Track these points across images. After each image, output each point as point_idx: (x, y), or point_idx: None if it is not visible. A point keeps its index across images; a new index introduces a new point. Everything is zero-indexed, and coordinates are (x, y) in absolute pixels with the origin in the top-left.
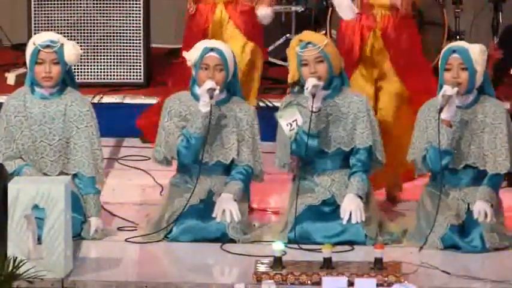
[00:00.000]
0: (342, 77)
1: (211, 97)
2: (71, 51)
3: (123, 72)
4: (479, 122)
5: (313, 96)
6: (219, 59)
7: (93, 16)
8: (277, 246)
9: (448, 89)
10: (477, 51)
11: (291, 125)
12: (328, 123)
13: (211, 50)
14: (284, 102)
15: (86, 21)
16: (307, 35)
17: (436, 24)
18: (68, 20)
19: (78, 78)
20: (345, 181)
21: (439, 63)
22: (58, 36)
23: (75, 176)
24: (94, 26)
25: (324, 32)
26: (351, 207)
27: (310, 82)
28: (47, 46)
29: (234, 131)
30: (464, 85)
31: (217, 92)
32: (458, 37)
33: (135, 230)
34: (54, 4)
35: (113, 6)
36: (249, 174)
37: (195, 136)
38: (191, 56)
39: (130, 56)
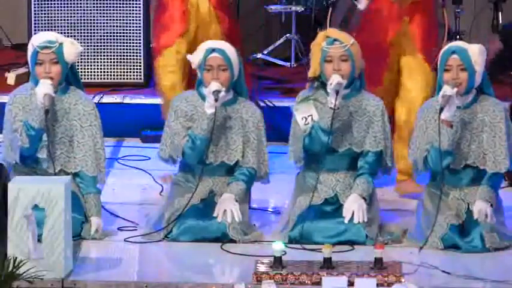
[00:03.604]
0: (361, 80)
1: (216, 100)
2: (70, 49)
3: (123, 72)
4: (479, 122)
5: (337, 93)
6: (222, 59)
7: (93, 16)
8: (277, 246)
9: (447, 89)
10: (476, 52)
11: (306, 119)
12: (342, 123)
13: (214, 50)
14: (301, 95)
15: (86, 21)
16: (334, 32)
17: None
18: (68, 20)
19: None
20: (350, 183)
21: (439, 63)
22: (56, 35)
23: (75, 175)
24: (94, 26)
25: None
26: (354, 207)
27: (335, 79)
28: (45, 47)
29: (239, 132)
30: (464, 85)
31: (222, 93)
32: (458, 37)
33: (135, 230)
34: (54, 4)
35: (113, 6)
36: (252, 176)
37: (201, 137)
38: (195, 58)
39: (130, 56)
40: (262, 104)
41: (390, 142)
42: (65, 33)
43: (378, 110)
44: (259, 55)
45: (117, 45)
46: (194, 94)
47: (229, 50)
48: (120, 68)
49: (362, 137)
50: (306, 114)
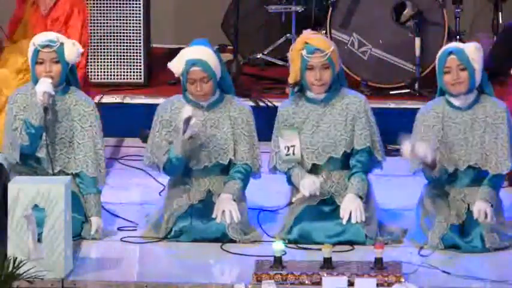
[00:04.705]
0: (339, 78)
1: (184, 131)
2: (71, 49)
3: (123, 72)
4: (481, 123)
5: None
6: (203, 72)
7: (93, 16)
8: (277, 246)
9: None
10: (473, 50)
11: (289, 149)
12: (330, 129)
13: (194, 64)
14: (282, 110)
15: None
16: (313, 39)
17: (436, 24)
18: None
19: None
20: (345, 183)
21: (437, 66)
22: (57, 35)
23: (75, 175)
24: (94, 26)
25: (324, 32)
26: (351, 207)
27: (307, 190)
28: (46, 46)
29: (229, 131)
30: (466, 84)
31: (194, 120)
32: (458, 37)
33: (135, 230)
34: None
35: (113, 6)
36: (247, 173)
37: (178, 158)
38: (175, 68)
39: (130, 56)
40: (262, 104)
41: (377, 136)
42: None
43: (360, 107)
44: (259, 55)
45: (117, 45)
46: (179, 99)
47: (210, 59)
48: (120, 68)
49: (351, 136)
50: (289, 143)
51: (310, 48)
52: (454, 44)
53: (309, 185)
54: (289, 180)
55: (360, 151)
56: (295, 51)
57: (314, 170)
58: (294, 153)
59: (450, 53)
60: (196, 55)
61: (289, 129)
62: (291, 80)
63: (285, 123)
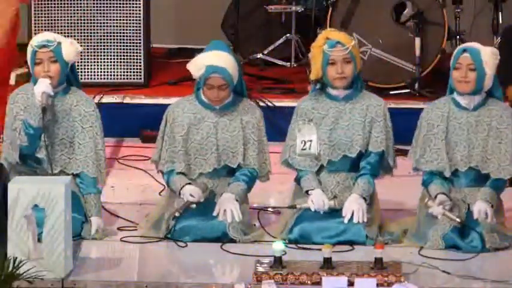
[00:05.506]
0: (360, 79)
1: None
2: (69, 48)
3: (123, 72)
4: (485, 126)
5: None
6: (222, 79)
7: (93, 16)
8: (277, 246)
9: (436, 211)
10: (488, 53)
11: (305, 143)
12: (349, 127)
13: (214, 71)
14: (302, 106)
15: (86, 21)
16: (334, 33)
17: (436, 24)
18: (68, 20)
19: None
20: (350, 185)
21: (451, 62)
22: (54, 35)
23: (76, 175)
24: (94, 26)
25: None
26: (354, 207)
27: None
28: (43, 46)
29: (239, 134)
30: (472, 85)
31: (193, 206)
32: (458, 37)
33: (135, 230)
34: (54, 4)
35: (113, 6)
36: (253, 177)
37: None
38: (194, 71)
39: (130, 56)
40: (262, 104)
41: (392, 142)
42: (65, 33)
43: (380, 110)
44: (259, 55)
45: (117, 45)
46: (192, 101)
47: (230, 66)
48: (120, 68)
49: (367, 138)
50: (306, 138)
51: (331, 42)
52: (471, 44)
53: (317, 203)
54: (298, 180)
55: (372, 153)
56: (316, 47)
57: (328, 166)
58: (310, 148)
59: (465, 50)
60: (218, 62)
61: (307, 124)
62: (312, 76)
63: (303, 118)
